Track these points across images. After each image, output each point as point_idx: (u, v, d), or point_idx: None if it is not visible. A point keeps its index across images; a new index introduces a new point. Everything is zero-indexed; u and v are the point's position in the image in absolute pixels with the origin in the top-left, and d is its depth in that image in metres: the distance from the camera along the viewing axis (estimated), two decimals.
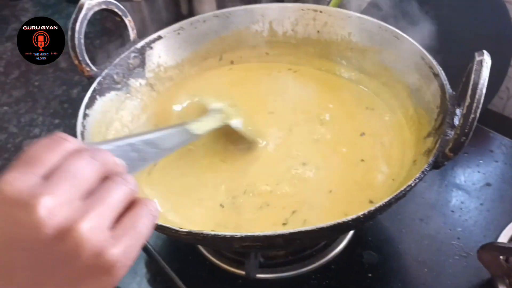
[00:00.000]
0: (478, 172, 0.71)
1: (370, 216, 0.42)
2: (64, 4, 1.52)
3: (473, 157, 0.73)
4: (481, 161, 0.72)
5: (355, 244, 0.62)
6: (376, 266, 0.59)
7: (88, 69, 0.61)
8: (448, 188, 0.69)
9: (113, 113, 0.63)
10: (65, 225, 0.26)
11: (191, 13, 1.09)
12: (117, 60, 0.64)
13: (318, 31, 0.72)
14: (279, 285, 0.59)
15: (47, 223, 0.26)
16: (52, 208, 0.26)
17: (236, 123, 0.61)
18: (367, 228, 0.64)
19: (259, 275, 0.58)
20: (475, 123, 0.43)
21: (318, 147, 0.62)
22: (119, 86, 0.64)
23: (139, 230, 0.29)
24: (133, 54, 0.66)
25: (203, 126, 0.57)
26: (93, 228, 0.27)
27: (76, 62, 0.60)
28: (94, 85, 0.60)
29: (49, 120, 1.00)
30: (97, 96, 0.60)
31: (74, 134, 0.92)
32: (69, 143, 0.29)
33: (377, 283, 0.58)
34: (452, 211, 0.65)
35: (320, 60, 0.73)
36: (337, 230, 0.43)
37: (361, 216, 0.41)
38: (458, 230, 0.63)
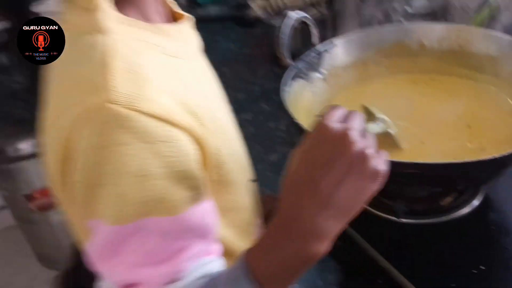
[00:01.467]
0: None
1: None
2: None
3: None
4: None
5: (483, 206, 0.77)
6: (501, 223, 0.74)
7: (286, 61, 0.85)
8: None
9: (299, 94, 0.86)
10: (362, 146, 0.41)
11: (335, 32, 1.31)
12: (305, 58, 0.88)
13: (460, 46, 0.90)
14: (419, 229, 0.76)
15: (352, 144, 0.40)
16: (352, 135, 0.41)
17: (393, 131, 0.74)
18: (496, 193, 0.79)
19: (404, 220, 0.76)
20: None
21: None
22: (304, 76, 0.88)
23: (385, 157, 0.43)
24: (315, 54, 0.90)
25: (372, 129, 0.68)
26: (368, 145, 0.41)
27: (279, 55, 0.85)
28: (291, 72, 0.84)
29: None
30: (291, 80, 0.84)
31: None
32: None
33: (500, 235, 0.73)
34: None
35: (459, 68, 0.90)
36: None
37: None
38: None
